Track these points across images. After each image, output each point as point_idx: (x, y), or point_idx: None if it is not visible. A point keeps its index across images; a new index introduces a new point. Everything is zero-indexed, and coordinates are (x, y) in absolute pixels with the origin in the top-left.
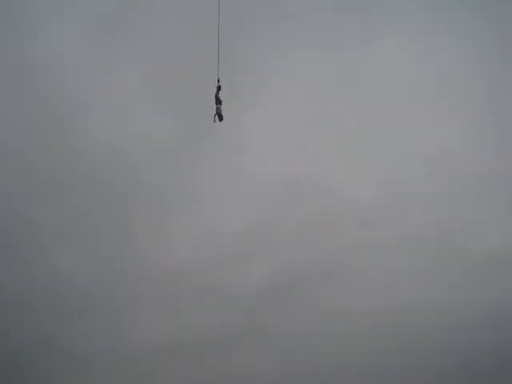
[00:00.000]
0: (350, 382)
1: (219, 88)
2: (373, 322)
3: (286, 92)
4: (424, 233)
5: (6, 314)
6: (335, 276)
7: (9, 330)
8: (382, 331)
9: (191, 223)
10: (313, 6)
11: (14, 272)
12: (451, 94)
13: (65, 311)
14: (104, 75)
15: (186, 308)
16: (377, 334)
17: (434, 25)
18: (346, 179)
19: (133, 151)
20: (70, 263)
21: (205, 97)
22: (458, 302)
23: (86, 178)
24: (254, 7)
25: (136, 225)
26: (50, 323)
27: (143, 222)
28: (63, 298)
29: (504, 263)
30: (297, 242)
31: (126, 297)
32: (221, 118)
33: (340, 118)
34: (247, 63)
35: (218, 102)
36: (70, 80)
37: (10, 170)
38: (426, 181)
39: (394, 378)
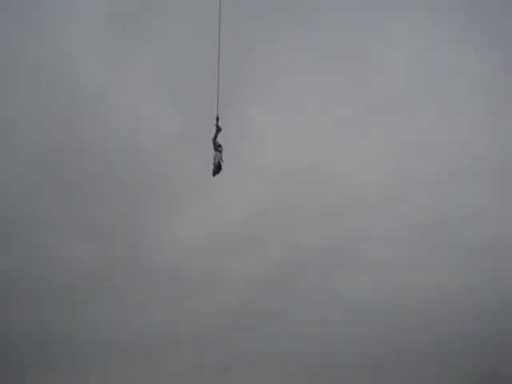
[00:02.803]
0: (352, 366)
1: (218, 129)
2: (376, 308)
3: (290, 80)
4: (425, 220)
5: (8, 303)
6: (340, 263)
7: (11, 318)
8: (385, 317)
9: (196, 211)
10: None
11: (15, 259)
12: (453, 88)
13: (68, 299)
14: (117, 72)
15: (191, 295)
16: (381, 320)
17: (446, 18)
18: (351, 167)
19: (140, 140)
20: (73, 251)
21: (212, 92)
22: (458, 288)
23: (93, 167)
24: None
25: (140, 213)
26: (52, 312)
27: (147, 210)
28: (68, 286)
29: (505, 250)
30: (303, 229)
31: (130, 284)
32: (217, 171)
33: (345, 106)
34: (250, 55)
35: (216, 147)
36: (82, 77)
37: (22, 160)
38: (426, 169)
39: (395, 363)
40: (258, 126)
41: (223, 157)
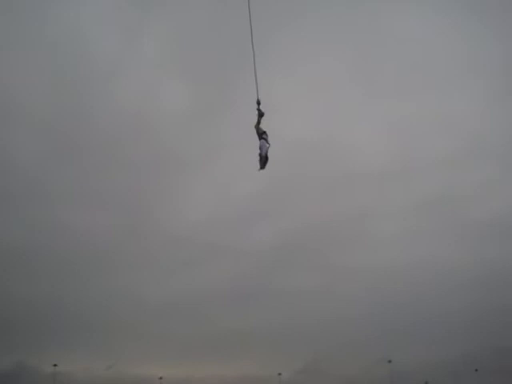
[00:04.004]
0: (355, 337)
1: (261, 114)
2: (381, 280)
3: (306, 56)
4: (432, 194)
5: (13, 272)
6: (346, 236)
7: (18, 287)
8: (390, 289)
9: (206, 184)
10: None
11: (22, 231)
12: (457, 69)
13: (76, 270)
14: (129, 46)
15: (199, 267)
16: (385, 292)
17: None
18: (360, 141)
19: (149, 114)
20: (83, 224)
21: (225, 69)
22: (462, 262)
23: (103, 140)
24: None
25: (151, 186)
26: (61, 282)
27: (156, 184)
28: (78, 257)
29: (506, 225)
30: (309, 202)
31: (140, 256)
32: (264, 163)
33: (356, 82)
34: (269, 31)
35: (261, 135)
36: (98, 52)
37: (32, 135)
38: (434, 145)
39: (399, 334)
40: (271, 100)
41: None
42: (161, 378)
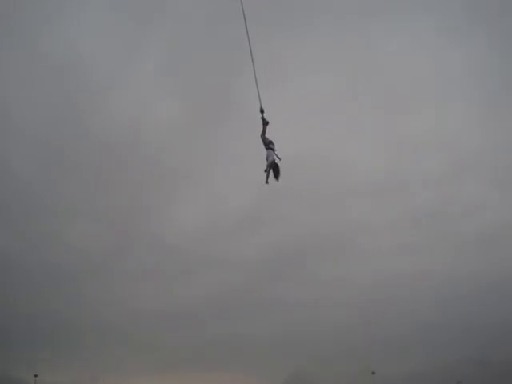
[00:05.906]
0: (340, 348)
1: (266, 123)
2: (369, 293)
3: (298, 72)
4: (423, 209)
5: (12, 287)
6: (338, 249)
7: (15, 301)
8: (376, 302)
9: (200, 196)
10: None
11: (21, 244)
12: (450, 88)
13: (72, 282)
14: (129, 62)
15: (192, 278)
16: (370, 305)
17: (443, 25)
18: (351, 156)
19: (143, 127)
20: (80, 236)
21: (220, 83)
22: (451, 275)
23: (99, 154)
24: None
25: (147, 199)
26: (56, 292)
27: (154, 197)
28: (73, 268)
29: (496, 240)
30: (303, 216)
31: (134, 267)
32: (275, 172)
33: (348, 99)
34: (262, 48)
35: (267, 144)
36: (96, 66)
37: (30, 149)
38: (426, 160)
39: (383, 346)
40: (267, 114)
41: (276, 154)
42: None
